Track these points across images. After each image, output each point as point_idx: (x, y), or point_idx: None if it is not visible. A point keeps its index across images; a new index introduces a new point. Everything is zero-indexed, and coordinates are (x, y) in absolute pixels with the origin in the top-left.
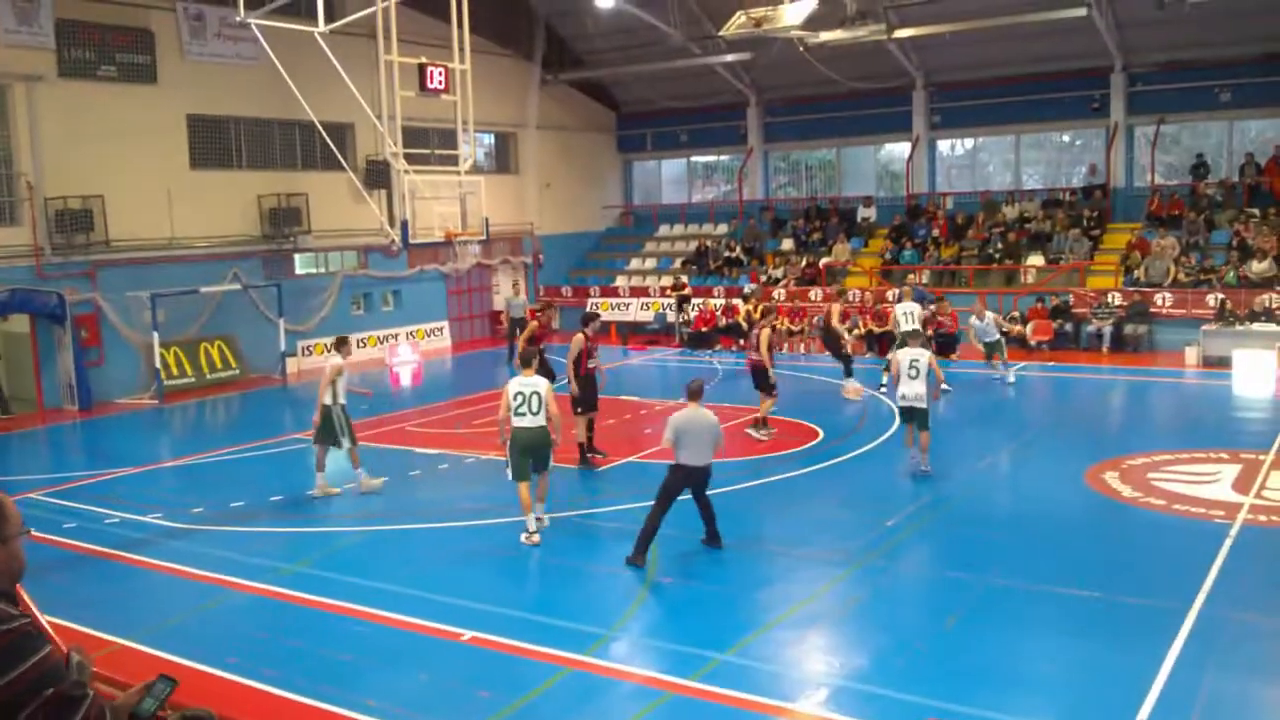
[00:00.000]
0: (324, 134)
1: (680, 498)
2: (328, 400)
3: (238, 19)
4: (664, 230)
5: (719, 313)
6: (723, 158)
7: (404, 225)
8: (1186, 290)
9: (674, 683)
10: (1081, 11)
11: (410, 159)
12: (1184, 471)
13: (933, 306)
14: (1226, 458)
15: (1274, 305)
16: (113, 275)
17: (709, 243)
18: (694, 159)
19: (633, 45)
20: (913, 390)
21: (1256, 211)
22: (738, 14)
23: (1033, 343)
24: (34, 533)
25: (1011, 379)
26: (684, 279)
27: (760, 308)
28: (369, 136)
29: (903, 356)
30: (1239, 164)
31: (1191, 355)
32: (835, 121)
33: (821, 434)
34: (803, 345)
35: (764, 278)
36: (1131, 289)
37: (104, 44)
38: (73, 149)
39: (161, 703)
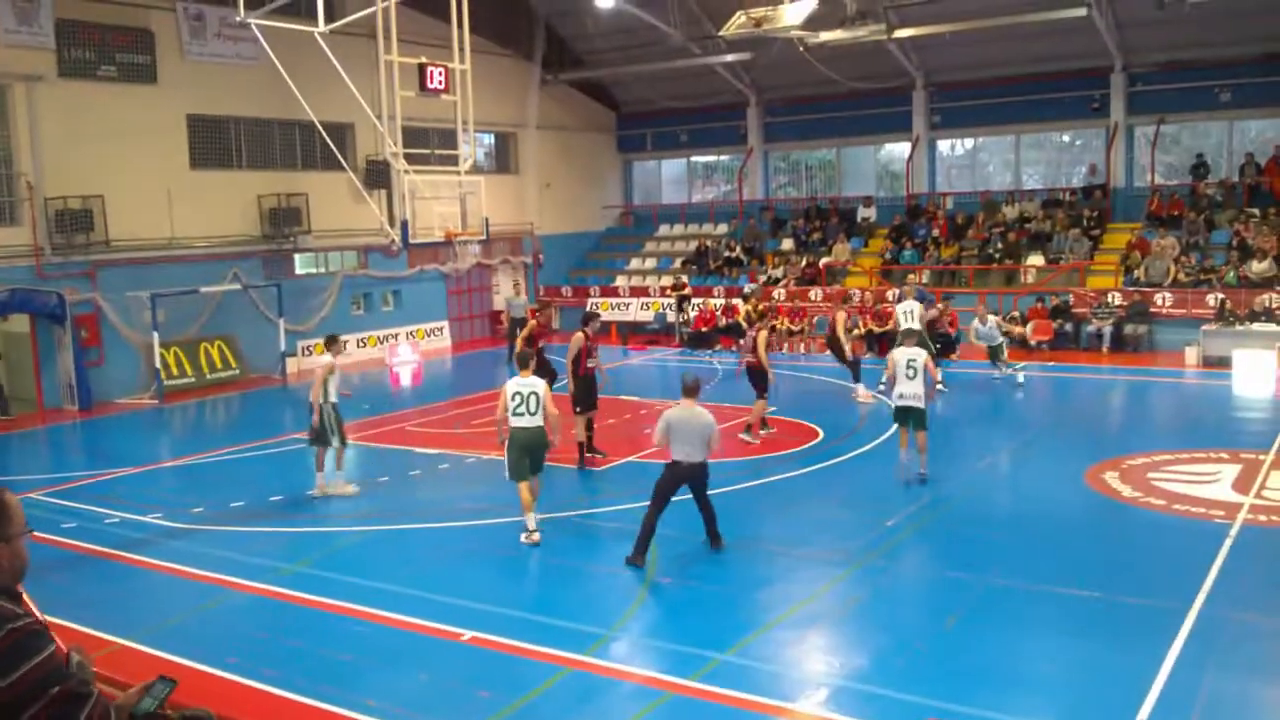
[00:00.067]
0: (324, 134)
1: (679, 498)
2: (319, 399)
3: (238, 19)
4: (664, 230)
5: (719, 313)
6: (723, 158)
7: (404, 225)
8: (1186, 290)
9: (674, 683)
10: (1081, 11)
11: (410, 159)
12: (1184, 471)
13: (940, 306)
14: (1226, 458)
15: (1274, 305)
16: (113, 275)
17: (709, 243)
18: (694, 159)
19: (633, 45)
20: (910, 390)
21: (1256, 211)
22: (738, 14)
23: (1033, 343)
24: (35, 533)
25: (1021, 379)
26: (684, 279)
27: (758, 309)
28: (369, 136)
29: (899, 356)
30: (1239, 164)
31: (1191, 355)
32: (835, 121)
33: (821, 434)
34: (803, 345)
35: (763, 278)
36: (1131, 289)
37: (104, 44)
38: (73, 149)
39: (161, 702)
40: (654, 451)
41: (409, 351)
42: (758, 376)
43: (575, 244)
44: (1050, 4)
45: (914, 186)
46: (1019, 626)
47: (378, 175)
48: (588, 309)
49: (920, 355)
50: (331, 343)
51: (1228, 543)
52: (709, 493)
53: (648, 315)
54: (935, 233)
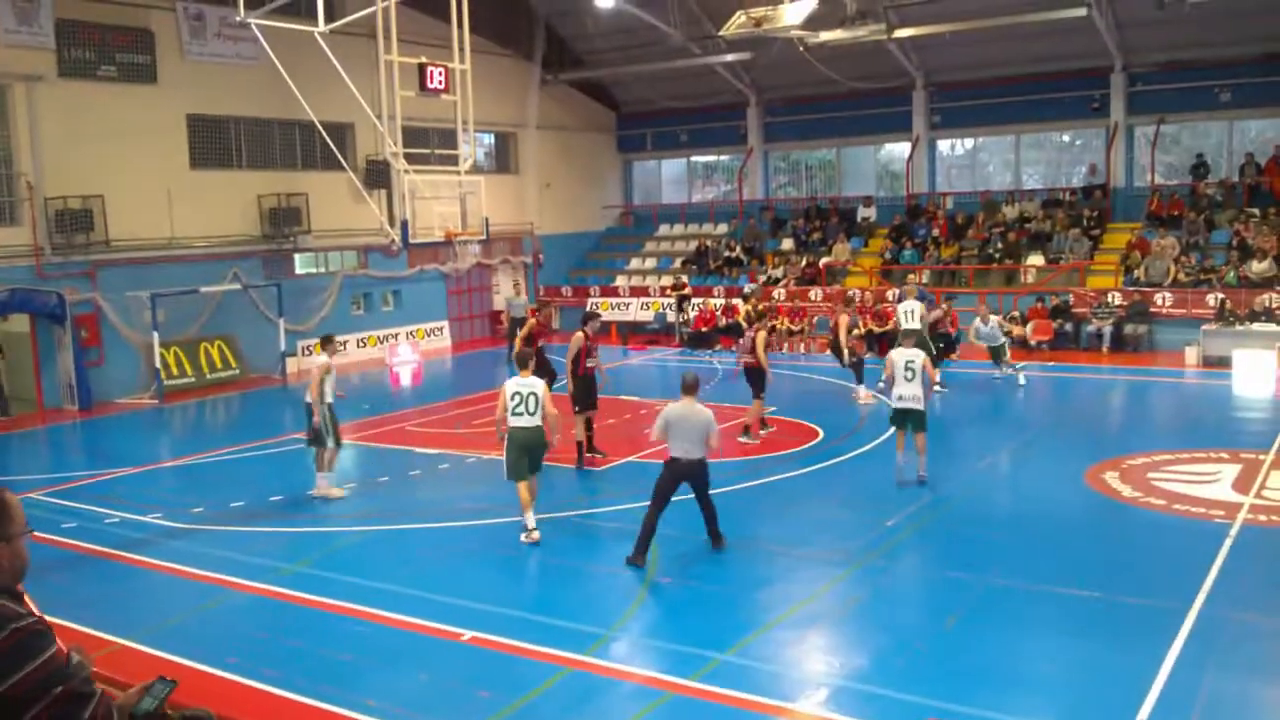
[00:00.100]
0: (324, 134)
1: (680, 497)
2: (317, 400)
3: (238, 19)
4: (664, 230)
5: (719, 313)
6: (723, 158)
7: (404, 225)
8: (1186, 290)
9: (674, 683)
10: (1081, 11)
11: (410, 159)
12: (1184, 471)
13: (944, 307)
14: (1226, 458)
15: (1274, 305)
16: (113, 275)
17: (709, 243)
18: (694, 159)
19: (633, 45)
20: (910, 391)
21: (1256, 211)
22: (738, 14)
23: (1033, 343)
24: (35, 533)
25: (1023, 380)
26: (684, 279)
27: (757, 310)
28: (369, 136)
29: (898, 357)
30: (1239, 164)
31: (1191, 355)
32: (835, 121)
33: (821, 434)
34: (803, 345)
35: (763, 278)
36: (1131, 289)
37: (104, 44)
38: (73, 149)
39: (161, 702)
40: (654, 451)
41: (409, 351)
42: (755, 376)
43: (575, 244)
44: (1050, 4)
45: (914, 186)
46: (1019, 626)
47: (378, 175)
48: (588, 309)
49: (919, 356)
50: (327, 343)
51: (1228, 543)
52: (710, 492)
53: (648, 315)
54: (935, 233)
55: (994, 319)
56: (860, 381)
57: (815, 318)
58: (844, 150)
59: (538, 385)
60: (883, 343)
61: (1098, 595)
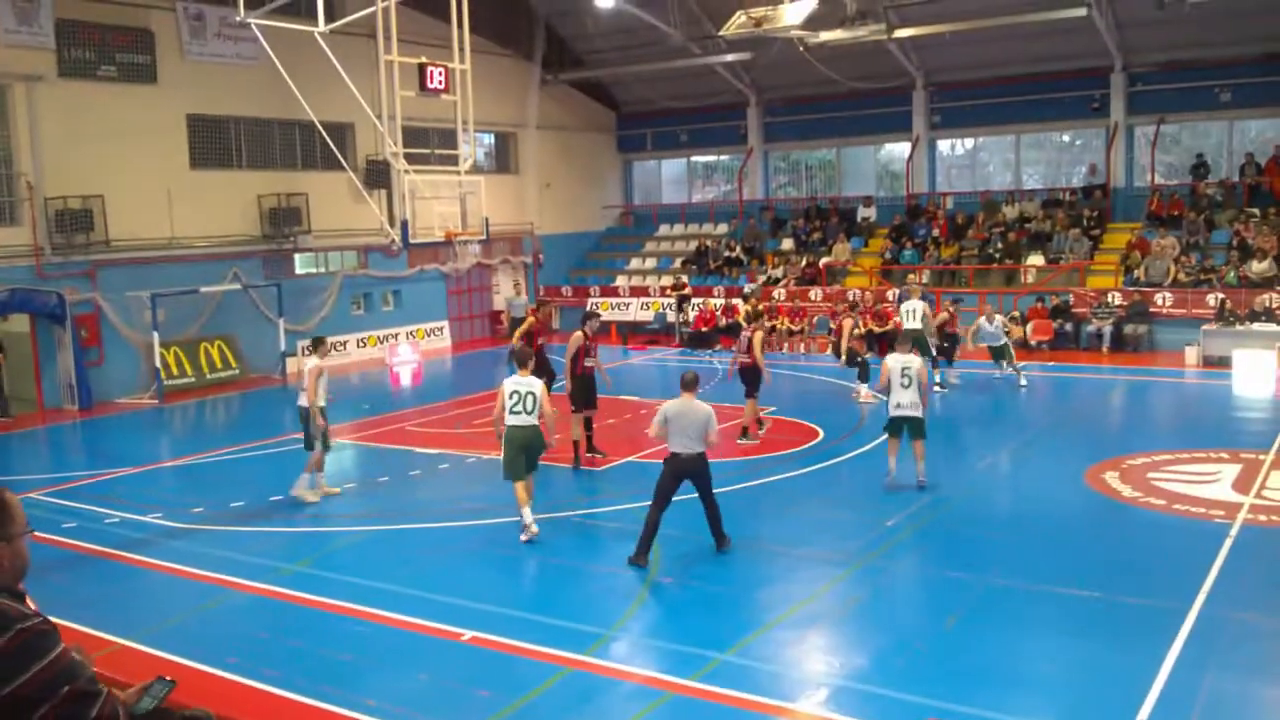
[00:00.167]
0: (324, 134)
1: (681, 497)
2: (304, 402)
3: (238, 19)
4: (664, 230)
5: (719, 313)
6: (723, 158)
7: (404, 225)
8: (1186, 290)
9: (674, 683)
10: (1081, 11)
11: (410, 159)
12: (1184, 471)
13: (950, 309)
14: (1226, 458)
15: (1274, 305)
16: (113, 275)
17: (709, 243)
18: (694, 159)
19: (633, 45)
20: (907, 399)
21: (1256, 211)
22: (738, 14)
23: (1033, 343)
24: (35, 533)
25: (1023, 382)
26: (684, 279)
27: (755, 309)
28: (369, 136)
29: (893, 364)
30: (1239, 164)
31: (1191, 355)
32: (835, 121)
33: (821, 434)
34: (803, 345)
35: (763, 278)
36: (1131, 289)
37: (104, 44)
38: (73, 149)
39: (160, 702)
40: (654, 451)
41: (409, 351)
42: (750, 376)
43: (575, 244)
44: (1050, 4)
45: (914, 186)
46: (1019, 626)
47: (378, 175)
48: (587, 308)
49: (915, 363)
50: (318, 345)
51: (1228, 543)
52: (716, 491)
53: (648, 315)
54: (935, 233)
55: (999, 319)
56: (864, 381)
57: (815, 318)
58: (844, 150)
59: (536, 385)
60: (882, 342)
61: (1098, 595)
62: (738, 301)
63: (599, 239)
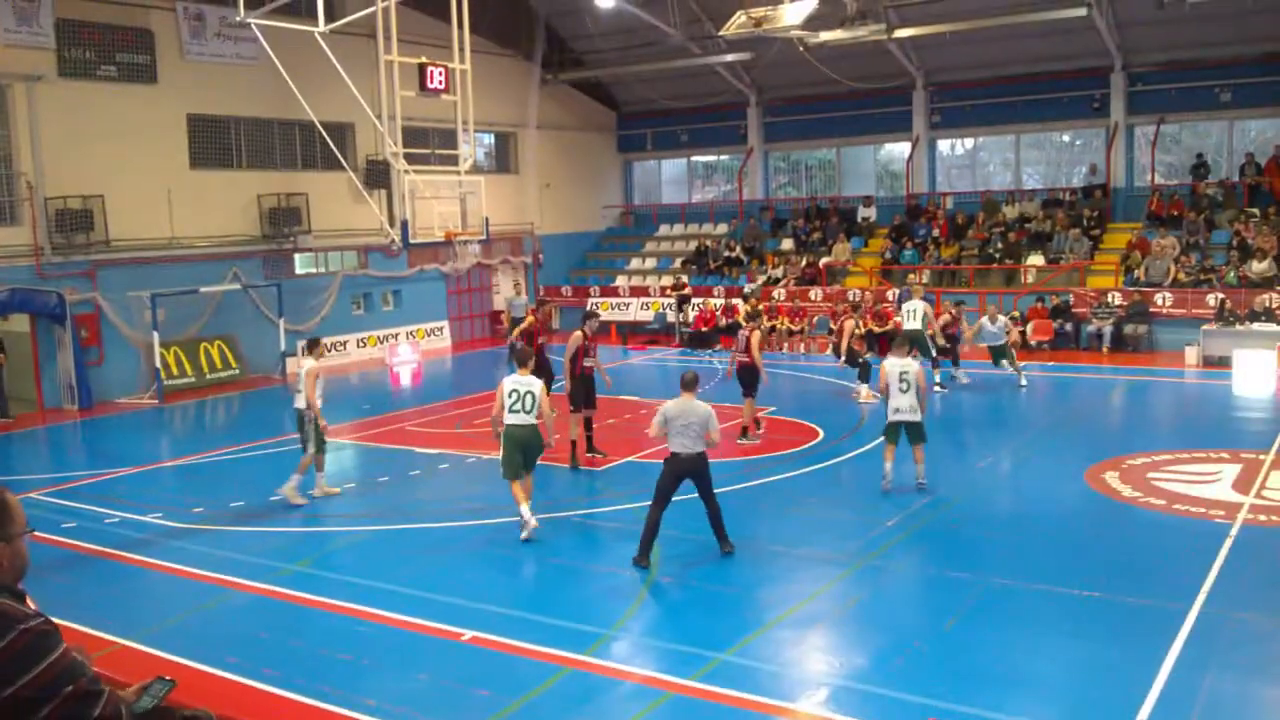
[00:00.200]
0: (324, 134)
1: (681, 496)
2: (301, 405)
3: (238, 19)
4: (664, 230)
5: (719, 313)
6: (723, 157)
7: (404, 225)
8: (1186, 290)
9: (674, 683)
10: (1081, 11)
11: (410, 159)
12: (1184, 471)
13: (953, 311)
14: (1227, 458)
15: (1274, 305)
16: (113, 275)
17: (709, 243)
18: (694, 159)
19: (633, 45)
20: (906, 403)
21: (1256, 211)
22: (738, 14)
23: (1033, 343)
24: (35, 533)
25: (1023, 382)
26: (684, 279)
27: (755, 309)
28: (369, 136)
29: (891, 368)
30: (1239, 164)
31: (1191, 355)
32: (835, 121)
33: (821, 434)
34: (803, 345)
35: (763, 278)
36: (1131, 289)
37: (104, 44)
38: (73, 149)
39: (159, 701)
40: (654, 451)
41: (409, 351)
42: (748, 376)
43: (575, 244)
44: (1050, 4)
45: (914, 186)
46: (1019, 626)
47: (378, 175)
48: (587, 308)
49: (912, 367)
50: (313, 346)
51: (1228, 543)
52: (716, 490)
53: (648, 315)
54: (935, 233)
55: (1002, 319)
56: (864, 381)
57: (815, 318)
58: (844, 150)
59: (535, 384)
60: (882, 342)
61: (1098, 595)
62: (738, 301)
63: (599, 239)
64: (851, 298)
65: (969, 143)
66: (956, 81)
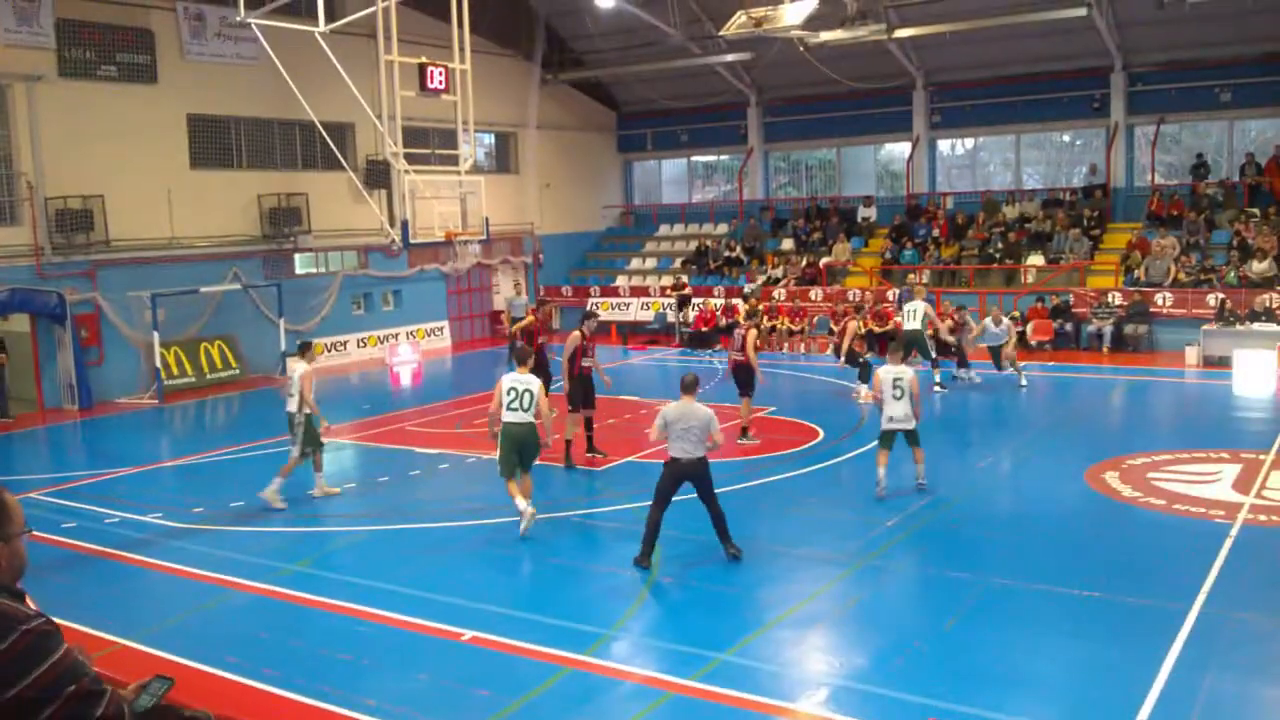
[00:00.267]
0: (324, 134)
1: (681, 496)
2: (293, 408)
3: (238, 19)
4: (664, 230)
5: (719, 313)
6: (723, 158)
7: (404, 225)
8: (1187, 290)
9: (674, 683)
10: (1081, 11)
11: (410, 159)
12: (1184, 471)
13: (956, 315)
14: (1227, 458)
15: (1274, 305)
16: (113, 275)
17: (709, 242)
18: (694, 159)
19: (633, 45)
20: (900, 411)
21: (1256, 211)
22: (738, 14)
23: (1033, 343)
24: (34, 533)
25: (1024, 382)
26: (684, 279)
27: (750, 309)
28: (369, 136)
29: (885, 375)
30: (1239, 164)
31: (1191, 355)
32: (835, 121)
33: (821, 434)
34: (803, 345)
35: (763, 278)
36: (1132, 289)
37: (104, 44)
38: (73, 149)
39: (158, 700)
40: (654, 451)
41: (409, 351)
42: (744, 375)
43: (575, 244)
44: (1050, 4)
45: (914, 186)
46: (1019, 626)
47: (378, 175)
48: (587, 308)
49: (906, 374)
50: (305, 350)
51: (1228, 543)
52: (716, 491)
53: (648, 315)
54: (935, 233)
55: (1005, 320)
56: (864, 381)
57: (815, 318)
58: (844, 150)
59: (534, 383)
60: (882, 342)
61: (1098, 595)
62: (738, 301)
63: (599, 239)
64: (852, 298)
65: (969, 143)
66: (956, 81)
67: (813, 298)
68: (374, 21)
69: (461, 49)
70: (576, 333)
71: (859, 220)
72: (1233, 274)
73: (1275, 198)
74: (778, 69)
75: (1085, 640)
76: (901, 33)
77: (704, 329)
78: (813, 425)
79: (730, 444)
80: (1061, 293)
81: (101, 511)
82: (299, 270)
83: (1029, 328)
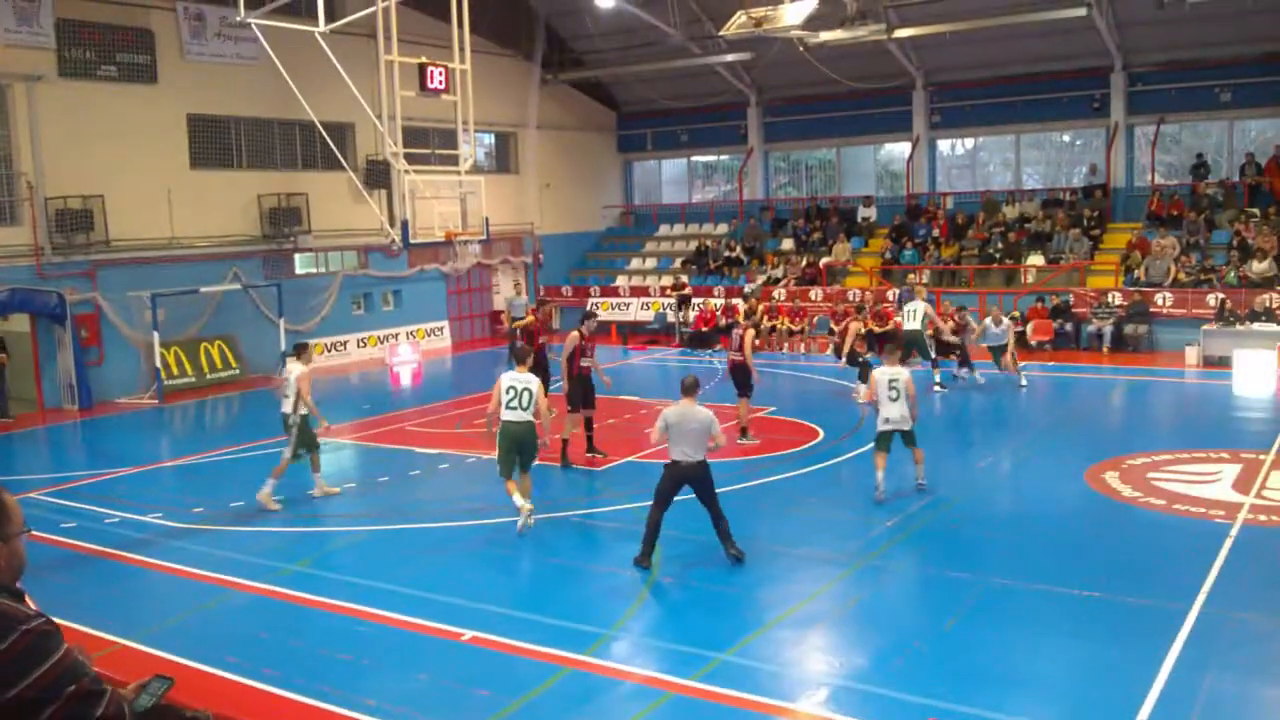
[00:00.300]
0: (324, 134)
1: (682, 497)
2: (287, 409)
3: (238, 19)
4: (664, 230)
5: (719, 313)
6: (723, 157)
7: (404, 225)
8: (1187, 290)
9: (674, 683)
10: (1081, 11)
11: (410, 159)
12: (1184, 471)
13: (960, 316)
14: (1227, 458)
15: (1274, 305)
16: (113, 275)
17: (709, 242)
18: (694, 159)
19: (633, 45)
20: (896, 413)
21: (1256, 211)
22: (738, 14)
23: (1033, 343)
24: (34, 533)
25: (1023, 382)
26: (684, 279)
27: (747, 309)
28: (369, 136)
29: (880, 376)
30: (1239, 164)
31: (1191, 355)
32: (835, 121)
33: (821, 434)
34: (803, 345)
35: (763, 278)
36: (1132, 289)
37: (104, 44)
38: (73, 149)
39: (158, 699)
40: (654, 451)
41: (409, 351)
42: (740, 374)
43: (575, 244)
44: (1050, 4)
45: (914, 186)
46: (1019, 626)
47: (378, 175)
48: (587, 308)
49: (902, 375)
50: (302, 351)
51: (1228, 543)
52: (717, 492)
53: (648, 315)
54: (935, 233)
55: (1006, 321)
56: (864, 381)
57: (815, 318)
58: (844, 150)
59: (533, 382)
60: (882, 342)
61: (1098, 595)
62: (738, 301)
63: (599, 239)
64: (852, 298)
65: (969, 143)
66: (956, 81)
67: (813, 298)
68: (374, 21)
69: (461, 49)
70: (575, 333)
71: (859, 220)
72: (1233, 274)
73: (1275, 198)
74: (778, 69)
75: (1085, 640)
76: (901, 33)
77: (704, 329)
78: (813, 425)
79: (730, 444)
80: (1061, 293)
81: (101, 511)
82: (299, 270)
83: (1029, 328)
